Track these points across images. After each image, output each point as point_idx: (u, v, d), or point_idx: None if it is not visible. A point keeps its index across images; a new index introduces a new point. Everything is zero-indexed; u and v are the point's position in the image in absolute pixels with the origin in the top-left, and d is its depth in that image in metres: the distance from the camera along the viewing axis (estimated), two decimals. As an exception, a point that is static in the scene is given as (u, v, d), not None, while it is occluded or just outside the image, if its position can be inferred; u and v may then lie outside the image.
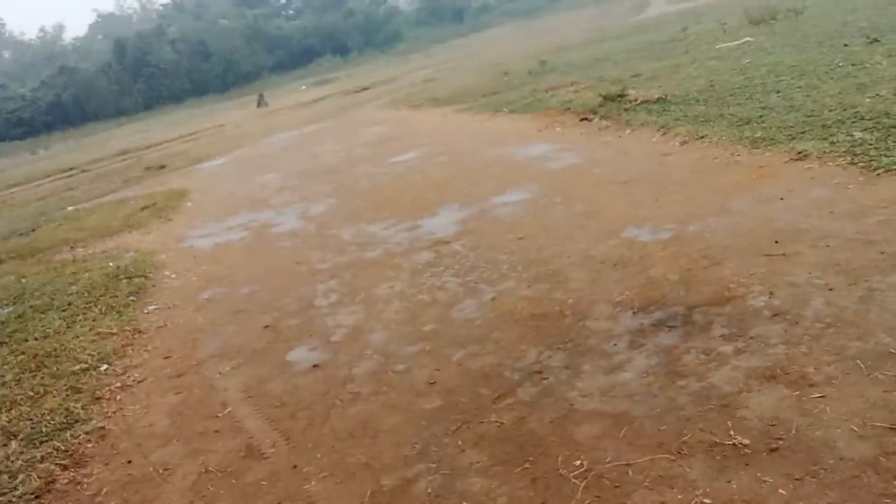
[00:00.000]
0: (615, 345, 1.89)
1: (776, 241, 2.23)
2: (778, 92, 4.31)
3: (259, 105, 19.53)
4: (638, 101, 5.01)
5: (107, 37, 49.25)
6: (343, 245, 3.45)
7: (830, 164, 2.84)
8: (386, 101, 11.47)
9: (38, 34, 53.03)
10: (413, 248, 3.14)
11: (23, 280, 4.08)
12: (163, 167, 9.89)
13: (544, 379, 1.82)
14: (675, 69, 6.33)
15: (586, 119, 5.20)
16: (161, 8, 53.45)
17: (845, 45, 5.43)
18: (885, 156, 2.73)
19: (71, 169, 12.92)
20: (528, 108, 6.31)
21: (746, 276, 2.05)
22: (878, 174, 2.59)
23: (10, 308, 3.39)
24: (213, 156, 9.79)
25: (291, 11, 53.25)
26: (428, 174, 4.78)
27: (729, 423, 1.48)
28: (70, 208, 7.89)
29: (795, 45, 6.03)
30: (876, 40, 5.29)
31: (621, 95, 5.27)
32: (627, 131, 4.48)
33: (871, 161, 2.72)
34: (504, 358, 1.96)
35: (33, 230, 5.98)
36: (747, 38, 7.17)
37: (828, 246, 2.12)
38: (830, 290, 1.89)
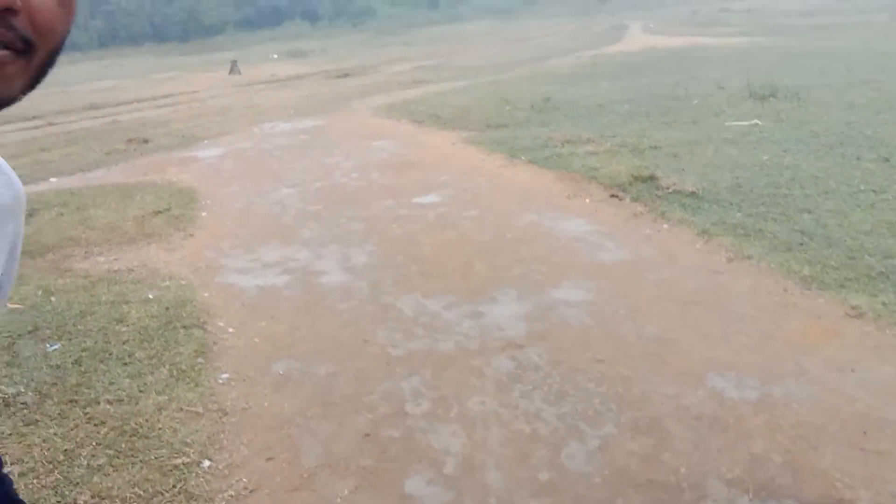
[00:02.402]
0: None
1: (864, 432, 2.44)
2: (809, 212, 4.58)
3: (231, 72, 18.96)
4: (670, 190, 5.22)
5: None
6: (408, 325, 3.49)
7: (888, 330, 3.09)
8: (381, 105, 11.38)
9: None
10: (486, 346, 3.22)
11: (52, 299, 3.94)
12: (146, 141, 9.57)
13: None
14: (693, 147, 6.59)
15: (616, 197, 5.37)
16: (127, -59, 50.75)
17: (857, 158, 5.80)
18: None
19: (34, 118, 12.23)
20: (550, 164, 6.44)
21: (849, 474, 2.24)
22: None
23: (59, 345, 3.28)
24: (201, 138, 9.52)
25: (264, -34, 51.52)
26: (465, 234, 4.85)
27: None
28: (53, 180, 7.56)
29: (807, 144, 6.38)
30: (887, 160, 5.67)
31: (652, 178, 5.47)
32: (665, 226, 4.67)
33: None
34: (630, 528, 2.08)
35: (30, 215, 5.71)
36: (756, 121, 7.52)
37: (914, 444, 2.34)
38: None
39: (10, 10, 0.52)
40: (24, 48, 0.55)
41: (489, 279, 4.02)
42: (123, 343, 3.30)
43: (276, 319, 3.66)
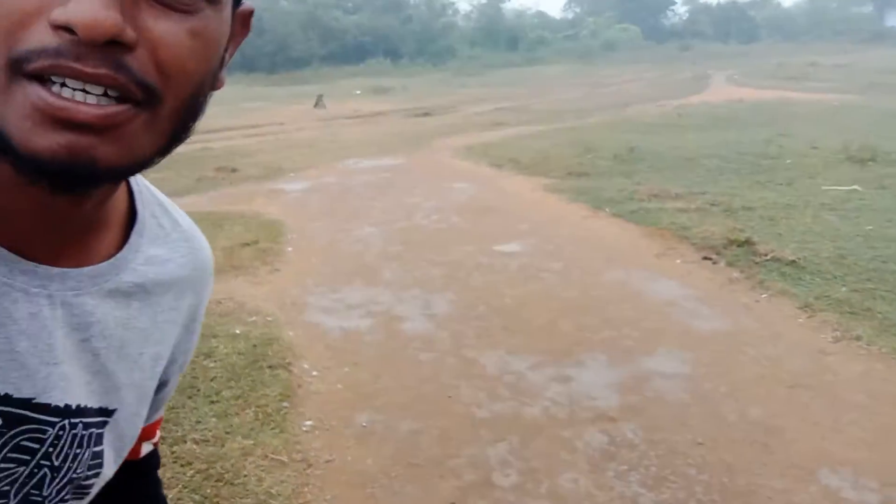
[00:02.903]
0: None
1: None
2: (923, 292, 4.27)
3: (316, 105, 19.57)
4: (768, 257, 4.98)
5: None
6: (492, 384, 3.39)
7: None
8: (460, 147, 11.46)
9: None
10: (576, 416, 3.08)
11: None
12: (234, 171, 9.88)
13: None
14: (789, 211, 6.30)
15: (709, 259, 5.16)
16: (226, -24, 53.63)
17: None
18: None
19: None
20: (636, 219, 6.28)
21: None
22: None
23: (149, 376, 3.31)
24: (287, 171, 9.78)
25: (350, 5, 53.54)
26: (548, 288, 4.74)
27: None
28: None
29: (914, 217, 6.00)
30: None
31: (748, 242, 5.24)
32: (764, 296, 4.43)
33: None
34: None
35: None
36: (855, 187, 7.15)
37: None
38: None
39: (119, 45, 0.39)
40: (145, 98, 0.42)
41: (576, 340, 3.88)
42: (211, 380, 3.32)
43: (359, 366, 3.62)
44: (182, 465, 2.66)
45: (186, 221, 0.69)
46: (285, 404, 3.14)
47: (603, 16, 60.87)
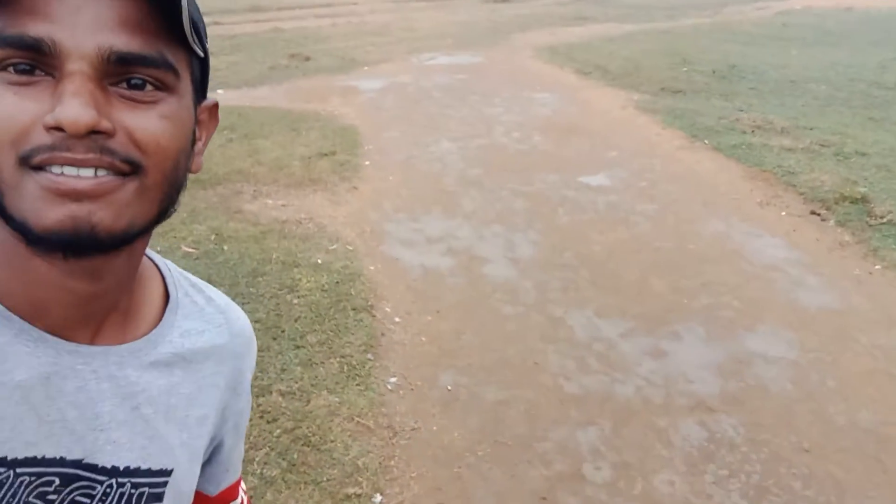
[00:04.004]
0: None
1: None
2: None
3: (390, -17, 18.52)
4: (885, 219, 4.53)
5: None
6: (581, 351, 3.23)
7: None
8: (542, 46, 10.78)
9: None
10: (672, 402, 2.92)
11: (224, 248, 3.98)
12: (308, 59, 9.58)
13: None
14: (911, 162, 5.70)
15: (817, 215, 4.74)
16: None
17: None
18: None
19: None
20: (738, 155, 5.80)
21: None
22: None
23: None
24: (361, 64, 9.42)
25: None
26: (640, 236, 4.45)
27: None
28: (220, 92, 7.70)
29: None
30: None
31: (863, 200, 4.77)
32: (878, 267, 4.06)
33: None
34: None
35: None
36: None
37: None
38: None
39: (100, 133, 0.48)
40: (131, 170, 0.50)
41: (671, 305, 3.66)
42: (295, 320, 3.26)
43: (442, 315, 3.51)
44: (269, 422, 2.64)
45: (221, 298, 0.73)
46: (369, 356, 3.07)
47: None
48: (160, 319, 0.65)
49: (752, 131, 6.37)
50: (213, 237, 4.09)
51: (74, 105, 0.46)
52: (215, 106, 0.62)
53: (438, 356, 3.17)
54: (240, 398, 0.74)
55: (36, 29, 0.46)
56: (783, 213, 4.80)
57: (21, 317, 0.53)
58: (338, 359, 3.03)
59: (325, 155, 5.59)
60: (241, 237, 4.12)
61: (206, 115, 0.61)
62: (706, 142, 6.18)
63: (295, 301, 3.44)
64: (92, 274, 0.54)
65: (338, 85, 8.18)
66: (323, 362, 3.00)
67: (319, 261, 3.90)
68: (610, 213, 4.80)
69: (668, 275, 3.98)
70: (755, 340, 3.36)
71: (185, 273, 0.71)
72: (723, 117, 6.84)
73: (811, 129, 6.54)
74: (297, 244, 4.09)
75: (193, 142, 0.57)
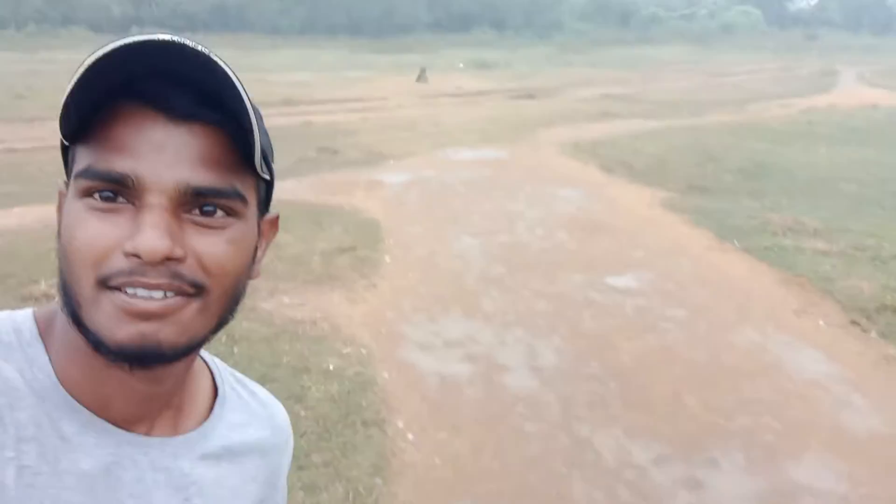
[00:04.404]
0: None
1: None
2: None
3: (419, 79, 19.27)
4: (934, 333, 4.26)
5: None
6: (610, 480, 2.96)
7: None
8: (567, 142, 10.87)
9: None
10: (712, 541, 2.62)
11: (235, 350, 3.83)
12: (336, 152, 9.73)
13: None
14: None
15: (857, 325, 4.48)
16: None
17: None
18: None
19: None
20: (770, 259, 5.60)
21: None
22: None
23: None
24: (387, 157, 9.54)
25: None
26: (671, 345, 4.22)
27: None
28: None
29: None
30: None
31: (908, 310, 4.52)
32: (931, 386, 3.77)
33: None
34: None
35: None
36: None
37: None
38: None
39: (173, 259, 0.52)
40: (196, 291, 0.53)
41: (706, 426, 3.38)
42: (301, 436, 3.05)
43: (458, 430, 3.27)
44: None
45: (263, 392, 0.78)
46: (378, 480, 2.84)
47: (724, -4, 57.20)
48: (209, 412, 0.68)
49: (784, 233, 6.20)
50: (223, 338, 3.95)
51: (152, 236, 0.50)
52: (276, 218, 0.66)
53: (453, 482, 2.92)
54: (276, 493, 0.76)
55: (122, 165, 0.51)
56: (821, 323, 4.55)
57: (88, 408, 0.57)
58: (344, 483, 2.80)
59: (346, 250, 5.51)
60: (253, 339, 3.98)
61: (267, 227, 0.64)
62: (736, 243, 6.01)
63: (302, 413, 3.24)
64: (154, 378, 0.57)
65: (363, 178, 8.25)
66: (327, 486, 2.77)
67: (331, 366, 3.72)
68: (638, 318, 4.59)
69: (702, 391, 3.72)
70: (800, 470, 3.06)
71: (228, 367, 0.76)
72: (752, 217, 6.69)
73: (845, 231, 6.34)
74: (309, 347, 3.94)
75: (254, 255, 0.61)
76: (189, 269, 0.52)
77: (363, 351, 3.96)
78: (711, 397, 3.64)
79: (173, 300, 0.52)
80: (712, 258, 5.76)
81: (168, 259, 0.51)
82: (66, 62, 23.88)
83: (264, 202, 0.62)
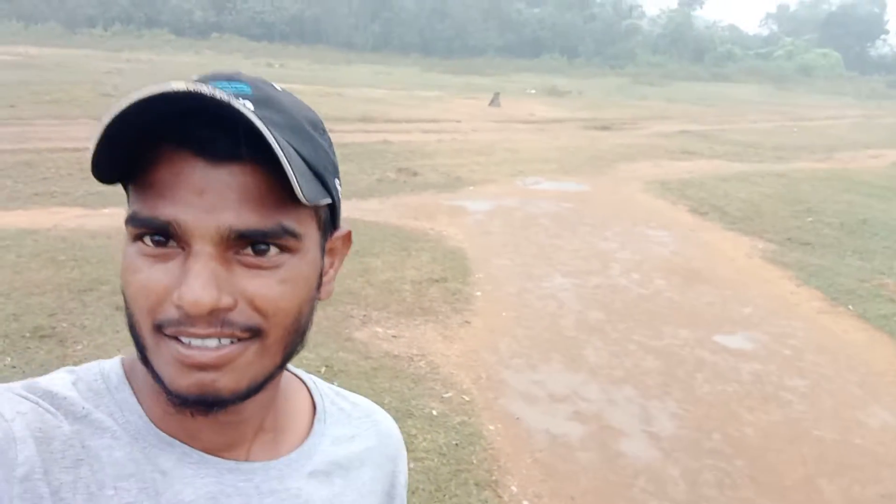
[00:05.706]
0: None
1: None
2: None
3: (492, 103, 19.18)
4: None
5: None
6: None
7: None
8: (651, 180, 10.51)
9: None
10: None
11: (335, 384, 3.63)
12: (415, 174, 9.61)
13: None
14: None
15: None
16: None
17: None
18: None
19: (316, 122, 13.03)
20: (889, 327, 5.16)
21: None
22: None
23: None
24: (467, 183, 9.37)
25: (535, -2, 52.52)
26: (796, 420, 3.85)
27: None
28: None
29: None
30: None
31: None
32: None
33: None
34: None
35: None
36: None
37: None
38: None
39: (221, 309, 0.49)
40: (252, 335, 0.51)
41: (852, 524, 3.02)
42: (413, 492, 2.83)
43: (573, 500, 3.00)
44: None
45: (365, 401, 0.74)
46: (497, 557, 2.58)
47: (802, 37, 55.78)
48: (310, 430, 0.66)
49: (902, 298, 5.73)
50: (323, 369, 3.78)
51: (195, 288, 0.48)
52: (348, 234, 0.63)
53: (577, 562, 2.65)
54: (395, 502, 0.73)
55: (165, 212, 0.49)
56: (963, 409, 4.11)
57: (181, 442, 0.56)
58: (461, 553, 2.56)
59: (436, 281, 5.31)
60: (352, 372, 3.80)
61: (339, 243, 0.62)
62: (850, 307, 5.57)
63: (412, 465, 3.02)
64: (229, 410, 0.54)
65: (445, 203, 8.07)
66: (445, 556, 2.53)
67: (435, 412, 3.50)
68: (756, 386, 4.23)
69: (838, 477, 3.35)
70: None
71: (325, 383, 0.73)
72: (864, 280, 6.23)
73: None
74: (409, 386, 3.73)
75: (321, 278, 0.58)
76: (241, 315, 0.51)
77: (465, 398, 3.73)
78: (850, 486, 3.27)
79: (228, 349, 0.51)
80: (826, 322, 5.34)
81: (216, 309, 0.49)
82: (149, 63, 24.69)
83: (329, 223, 0.59)
